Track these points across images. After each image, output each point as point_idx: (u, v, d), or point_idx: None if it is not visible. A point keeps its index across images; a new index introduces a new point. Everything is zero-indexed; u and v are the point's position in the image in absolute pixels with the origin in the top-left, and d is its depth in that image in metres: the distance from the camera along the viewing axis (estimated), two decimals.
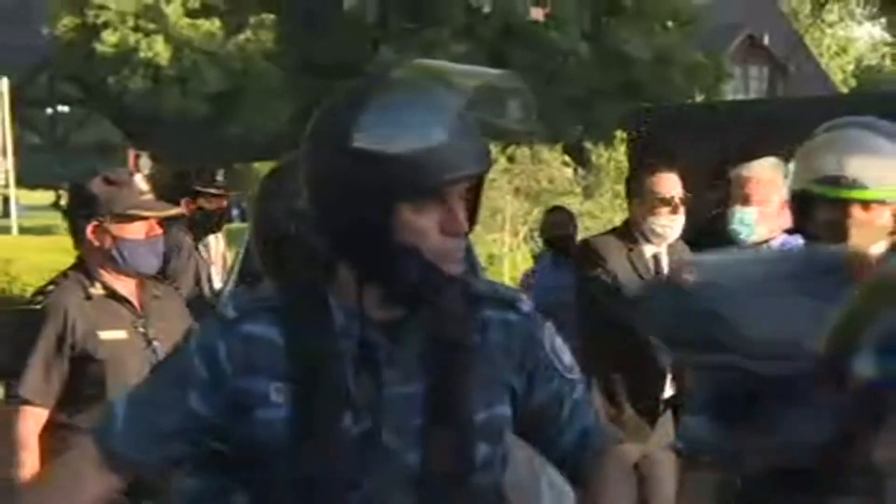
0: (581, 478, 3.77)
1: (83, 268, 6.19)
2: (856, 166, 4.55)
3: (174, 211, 6.60)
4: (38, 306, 5.79)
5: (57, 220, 14.93)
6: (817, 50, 34.23)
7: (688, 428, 4.22)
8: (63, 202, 7.80)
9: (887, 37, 31.83)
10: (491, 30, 29.55)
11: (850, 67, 34.58)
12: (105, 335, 5.77)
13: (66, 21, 33.83)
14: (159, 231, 6.02)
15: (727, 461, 4.55)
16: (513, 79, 3.33)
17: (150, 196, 6.14)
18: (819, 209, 4.62)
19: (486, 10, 29.80)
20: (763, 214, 7.51)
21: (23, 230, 29.31)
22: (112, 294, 6.10)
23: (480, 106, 3.39)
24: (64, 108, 36.46)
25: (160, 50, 33.21)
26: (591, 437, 3.67)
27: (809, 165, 4.67)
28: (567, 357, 3.68)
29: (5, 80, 29.81)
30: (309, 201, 3.52)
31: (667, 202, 7.96)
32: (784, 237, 7.34)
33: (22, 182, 28.26)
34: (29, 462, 5.62)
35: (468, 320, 3.54)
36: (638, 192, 8.04)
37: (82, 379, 5.73)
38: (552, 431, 3.63)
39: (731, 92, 35.82)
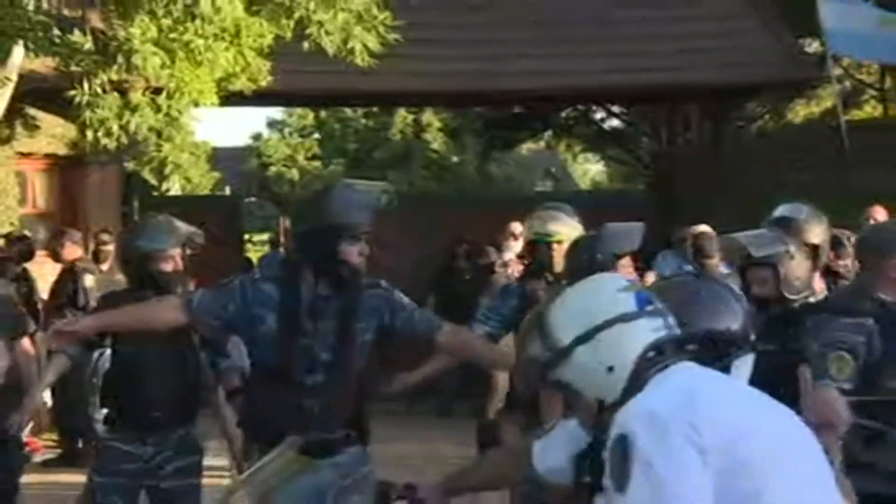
0: (438, 341, 3.70)
1: None
2: (550, 226, 4.67)
3: None
4: None
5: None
6: (577, 176, 36.39)
7: None
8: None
9: (605, 169, 33.06)
10: (438, 167, 29.82)
11: (589, 184, 36.14)
12: None
13: (254, 161, 34.97)
14: None
15: None
16: (387, 185, 3.63)
17: None
18: (540, 247, 4.69)
19: (431, 156, 30.08)
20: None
21: None
22: None
23: (378, 196, 3.55)
24: (252, 199, 33.40)
25: (296, 175, 33.49)
26: (435, 321, 3.75)
27: (532, 225, 4.76)
28: (406, 300, 3.73)
29: (228, 187, 32.07)
30: (295, 240, 3.73)
31: None
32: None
33: None
34: None
35: (359, 293, 3.63)
36: None
37: None
38: (409, 330, 3.69)
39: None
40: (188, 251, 4.52)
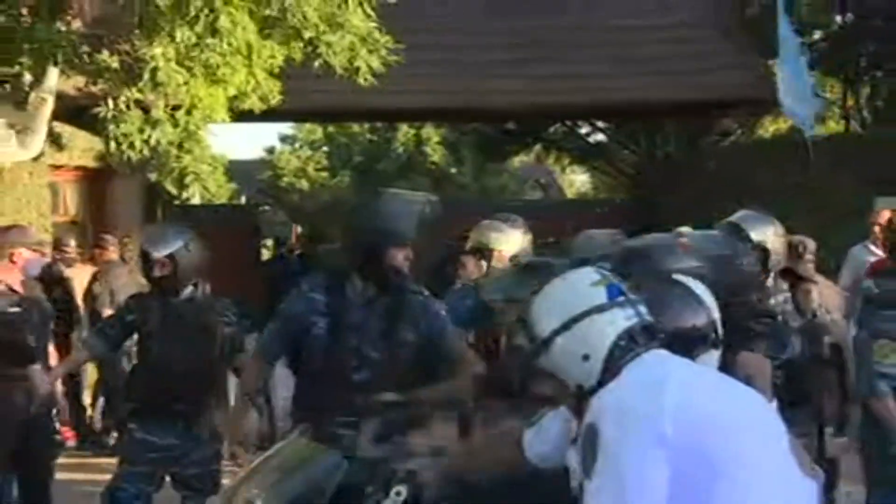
0: (448, 368, 3.57)
1: None
2: (489, 235, 4.62)
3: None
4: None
5: None
6: (564, 187, 34.31)
7: None
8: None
9: (590, 180, 32.29)
10: (437, 178, 29.04)
11: (575, 194, 33.59)
12: None
13: (269, 173, 34.18)
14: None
15: None
16: (431, 196, 3.55)
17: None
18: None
19: (431, 168, 29.78)
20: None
21: None
22: None
23: (423, 206, 3.52)
24: (267, 208, 34.66)
25: (305, 185, 33.08)
26: (458, 355, 3.62)
27: (474, 235, 4.69)
28: (440, 308, 3.67)
29: (244, 198, 30.98)
30: (347, 246, 3.65)
31: None
32: None
33: None
34: None
35: (403, 295, 3.58)
36: None
37: None
38: (436, 346, 3.59)
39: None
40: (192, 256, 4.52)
